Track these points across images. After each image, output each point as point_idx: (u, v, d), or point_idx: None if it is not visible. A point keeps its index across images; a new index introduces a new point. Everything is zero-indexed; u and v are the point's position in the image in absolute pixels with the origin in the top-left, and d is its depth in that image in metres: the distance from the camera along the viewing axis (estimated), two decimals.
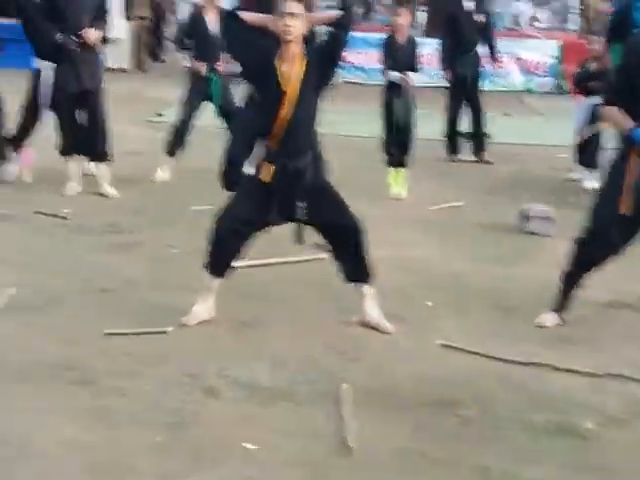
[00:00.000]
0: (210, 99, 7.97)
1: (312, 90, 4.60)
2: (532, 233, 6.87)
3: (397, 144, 8.03)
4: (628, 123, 4.64)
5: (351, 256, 4.79)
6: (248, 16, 4.72)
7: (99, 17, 7.29)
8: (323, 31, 4.72)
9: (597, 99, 8.62)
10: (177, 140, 8.05)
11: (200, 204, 7.17)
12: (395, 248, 6.13)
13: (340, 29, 4.59)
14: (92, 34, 7.14)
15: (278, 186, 4.62)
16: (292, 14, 4.47)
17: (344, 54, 4.78)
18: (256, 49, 4.67)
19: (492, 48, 10.18)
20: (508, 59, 16.05)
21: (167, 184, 8.06)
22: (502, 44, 16.47)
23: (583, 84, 8.76)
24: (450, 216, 7.40)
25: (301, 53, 4.58)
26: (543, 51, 16.39)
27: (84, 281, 5.39)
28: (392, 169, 8.03)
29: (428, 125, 9.44)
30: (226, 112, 7.92)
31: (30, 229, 6.53)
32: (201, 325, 4.76)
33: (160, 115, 11.56)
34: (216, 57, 7.85)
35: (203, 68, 7.85)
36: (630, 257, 5.08)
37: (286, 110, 4.53)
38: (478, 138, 9.94)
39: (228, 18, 4.73)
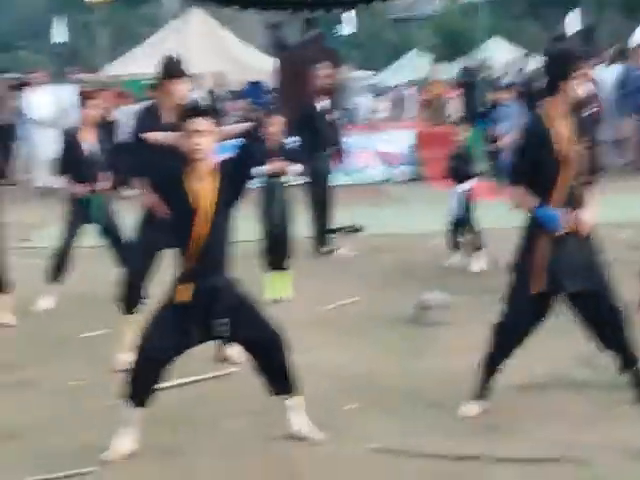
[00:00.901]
0: (91, 220, 7.77)
1: (225, 206, 4.54)
2: (431, 323, 6.94)
3: (276, 246, 8.01)
4: (532, 202, 4.79)
5: (274, 369, 4.71)
6: (155, 136, 4.67)
7: None
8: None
9: (467, 185, 8.97)
10: (59, 265, 7.78)
11: (90, 331, 6.98)
12: (302, 352, 5.99)
13: (252, 142, 4.59)
14: None
15: (196, 306, 4.51)
16: (201, 132, 4.44)
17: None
18: (165, 169, 4.60)
19: (340, 145, 10.39)
20: (367, 152, 16.49)
21: (52, 312, 7.74)
22: (360, 138, 17.05)
23: (453, 172, 9.03)
24: (348, 313, 7.40)
25: (211, 169, 4.53)
26: (400, 141, 16.88)
27: None
28: (271, 272, 7.99)
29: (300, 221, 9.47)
30: (109, 232, 7.75)
31: None
32: (124, 460, 4.52)
33: (28, 240, 11.19)
34: (95, 177, 7.69)
35: (83, 190, 7.66)
36: (540, 338, 5.17)
37: (200, 228, 4.46)
38: (322, 234, 10.06)
39: (132, 143, 4.66)
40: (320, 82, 8.60)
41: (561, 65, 4.80)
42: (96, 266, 8.19)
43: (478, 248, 8.83)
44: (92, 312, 7.52)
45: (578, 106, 4.97)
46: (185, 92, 6.02)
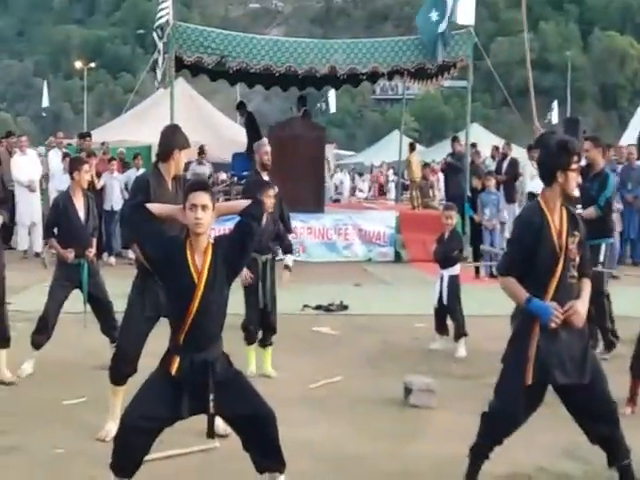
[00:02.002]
0: (80, 286, 7.74)
1: (222, 281, 4.55)
2: (416, 406, 6.93)
3: (263, 323, 8.00)
4: (523, 294, 4.80)
5: (264, 446, 4.65)
6: (155, 207, 4.69)
7: None
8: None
9: (454, 270, 9.04)
10: (43, 331, 7.69)
11: (72, 398, 6.91)
12: (289, 431, 5.97)
13: (250, 219, 4.61)
14: None
15: (186, 380, 4.49)
16: (202, 206, 4.48)
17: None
18: (164, 241, 4.61)
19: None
20: (351, 230, 16.65)
21: (33, 378, 7.63)
22: (344, 216, 17.24)
23: (440, 255, 9.11)
24: (332, 393, 7.36)
25: (210, 244, 4.56)
26: (382, 222, 17.04)
27: None
28: (252, 347, 7.96)
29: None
30: (96, 299, 7.73)
31: None
32: None
33: (9, 304, 11.07)
34: (84, 243, 7.70)
35: (70, 255, 7.65)
36: (526, 427, 5.17)
37: (196, 303, 4.47)
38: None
39: (135, 210, 4.68)
40: (262, 159, 8.68)
41: (559, 156, 4.85)
42: (80, 332, 8.12)
43: (463, 334, 8.87)
44: (74, 379, 7.45)
45: (570, 199, 5.04)
46: (184, 162, 6.10)
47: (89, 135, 17.86)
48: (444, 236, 9.18)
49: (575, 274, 4.87)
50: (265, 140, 10.27)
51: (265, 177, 8.90)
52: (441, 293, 9.02)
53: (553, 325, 4.71)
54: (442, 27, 16.79)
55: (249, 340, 7.96)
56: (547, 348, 4.75)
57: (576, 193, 5.22)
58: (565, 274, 4.80)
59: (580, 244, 4.88)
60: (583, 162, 13.06)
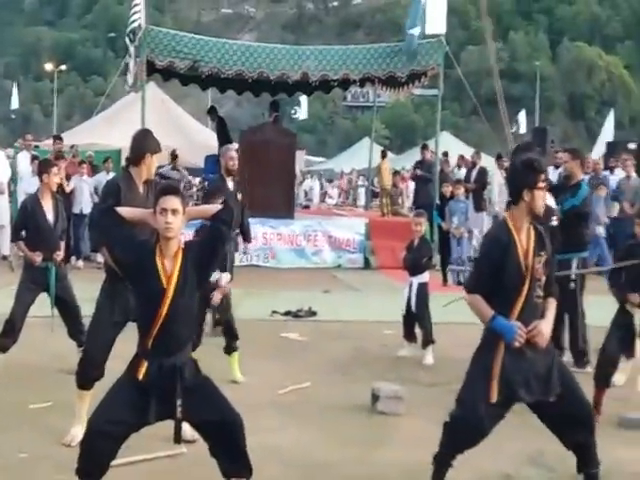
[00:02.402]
0: (47, 289, 7.69)
1: (192, 286, 4.55)
2: (383, 412, 6.95)
3: (223, 330, 7.98)
4: (488, 312, 4.81)
5: (231, 451, 4.65)
6: (125, 211, 4.68)
7: None
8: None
9: (423, 278, 9.07)
10: (10, 334, 7.60)
11: (38, 402, 6.86)
12: (256, 436, 5.96)
13: (220, 223, 4.61)
14: None
15: (154, 384, 4.48)
16: (172, 210, 4.47)
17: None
18: (135, 245, 4.60)
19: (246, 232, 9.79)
20: (320, 236, 16.66)
21: None
22: (314, 222, 17.25)
23: (409, 263, 9.14)
24: (301, 399, 7.37)
25: (181, 248, 4.55)
26: (351, 228, 17.08)
27: None
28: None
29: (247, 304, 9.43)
30: (63, 302, 7.69)
31: None
32: None
33: None
34: (53, 246, 7.65)
35: (38, 258, 7.60)
36: (495, 435, 5.20)
37: (165, 307, 4.45)
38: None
39: (105, 214, 4.66)
40: (227, 164, 8.67)
41: (525, 175, 4.87)
42: (47, 336, 8.06)
43: (431, 341, 8.90)
44: (40, 382, 7.40)
45: (538, 217, 5.03)
46: (156, 166, 6.09)
47: (60, 138, 17.77)
48: (413, 243, 9.21)
49: (541, 294, 4.88)
50: (231, 145, 10.26)
51: (230, 182, 8.90)
52: (409, 300, 9.03)
53: (516, 344, 4.73)
54: (417, 36, 16.90)
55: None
56: (512, 366, 4.77)
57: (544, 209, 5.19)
58: (531, 294, 4.82)
59: (546, 264, 4.89)
60: (554, 175, 13.17)
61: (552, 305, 4.99)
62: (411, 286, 9.06)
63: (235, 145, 10.78)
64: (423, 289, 9.03)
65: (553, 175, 16.32)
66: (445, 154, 18.97)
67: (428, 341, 8.91)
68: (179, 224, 4.51)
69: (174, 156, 18.93)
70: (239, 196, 8.93)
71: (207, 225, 4.66)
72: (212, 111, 20.30)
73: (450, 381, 7.43)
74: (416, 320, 9.04)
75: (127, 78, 16.97)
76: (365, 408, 7.06)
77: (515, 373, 4.77)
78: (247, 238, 9.71)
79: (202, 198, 9.05)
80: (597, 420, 6.58)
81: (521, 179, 4.88)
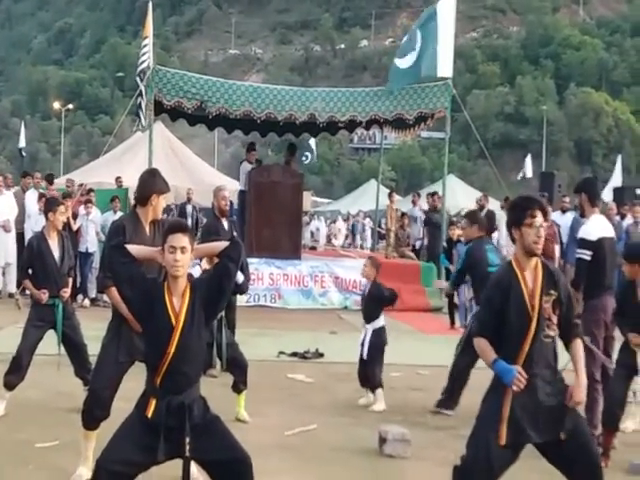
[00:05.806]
0: (54, 327, 7.67)
1: (200, 324, 4.54)
2: (391, 455, 6.89)
3: (233, 368, 7.94)
4: (491, 356, 4.78)
5: None
6: (134, 249, 4.68)
7: None
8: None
9: (379, 322, 8.82)
10: (16, 372, 7.58)
11: (45, 441, 6.81)
12: (262, 478, 5.88)
13: (228, 261, 4.61)
14: None
15: (162, 423, 4.45)
16: (181, 248, 4.48)
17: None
18: (143, 283, 4.59)
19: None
20: (327, 277, 16.63)
21: (5, 420, 7.52)
22: (321, 263, 17.22)
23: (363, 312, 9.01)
24: (308, 441, 7.30)
25: (189, 286, 4.55)
26: (358, 270, 16.98)
27: None
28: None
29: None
30: (70, 340, 7.67)
31: None
32: None
33: None
34: (60, 283, 7.66)
35: (44, 296, 7.60)
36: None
37: (174, 345, 4.44)
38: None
39: (114, 251, 4.66)
40: (219, 204, 8.70)
41: (513, 213, 4.92)
42: (52, 374, 8.03)
43: (379, 386, 8.64)
44: (47, 421, 7.36)
45: (534, 254, 4.91)
46: (163, 206, 6.10)
47: (51, 175, 18.13)
48: (365, 291, 9.02)
49: (551, 333, 4.82)
50: (223, 185, 10.31)
51: (225, 222, 8.92)
52: (362, 347, 8.74)
53: (515, 389, 4.68)
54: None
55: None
56: (521, 407, 4.72)
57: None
58: (539, 333, 4.77)
59: (557, 302, 4.82)
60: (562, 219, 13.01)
61: (578, 350, 4.90)
62: (365, 334, 8.78)
63: (227, 185, 10.82)
64: (379, 335, 8.75)
65: (561, 220, 16.36)
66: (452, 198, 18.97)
67: (375, 386, 8.64)
68: (187, 262, 4.52)
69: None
70: (235, 235, 8.96)
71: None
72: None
73: (457, 425, 7.42)
74: (366, 365, 8.74)
75: (140, 117, 16.99)
76: (372, 451, 7.01)
77: (524, 415, 4.72)
78: (246, 275, 9.73)
79: (200, 238, 9.07)
80: (606, 465, 6.57)
81: (509, 218, 4.95)
